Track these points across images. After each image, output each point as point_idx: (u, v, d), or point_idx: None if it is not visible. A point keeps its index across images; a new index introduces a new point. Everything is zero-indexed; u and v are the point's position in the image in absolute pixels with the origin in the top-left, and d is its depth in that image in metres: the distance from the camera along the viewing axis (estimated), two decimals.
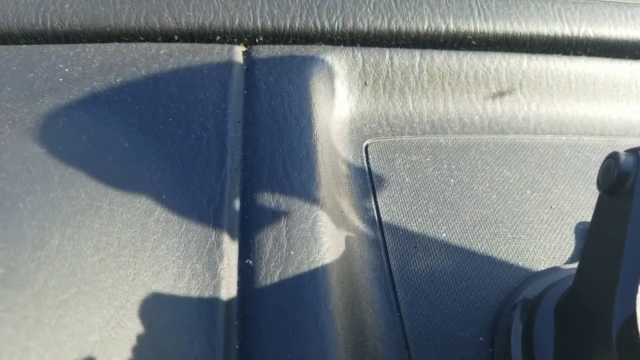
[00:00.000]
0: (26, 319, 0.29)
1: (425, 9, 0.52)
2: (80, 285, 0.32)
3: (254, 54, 0.49)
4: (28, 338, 0.28)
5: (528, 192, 0.46)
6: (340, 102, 0.50)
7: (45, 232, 0.33)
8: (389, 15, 0.51)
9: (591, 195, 0.47)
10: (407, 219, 0.43)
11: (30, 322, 0.29)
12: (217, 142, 0.42)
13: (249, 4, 0.50)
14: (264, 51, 0.49)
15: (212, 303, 0.34)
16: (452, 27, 0.52)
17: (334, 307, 0.34)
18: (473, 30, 0.52)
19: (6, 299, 0.29)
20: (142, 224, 0.36)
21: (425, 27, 0.51)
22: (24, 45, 0.47)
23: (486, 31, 0.52)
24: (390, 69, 0.51)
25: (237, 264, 0.36)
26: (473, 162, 0.48)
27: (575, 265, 0.35)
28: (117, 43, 0.48)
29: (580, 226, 0.44)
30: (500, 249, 0.42)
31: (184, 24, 0.49)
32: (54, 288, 0.31)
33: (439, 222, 0.43)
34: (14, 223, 0.32)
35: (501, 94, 0.52)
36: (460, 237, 0.42)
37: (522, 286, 0.40)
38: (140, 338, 0.31)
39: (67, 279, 0.32)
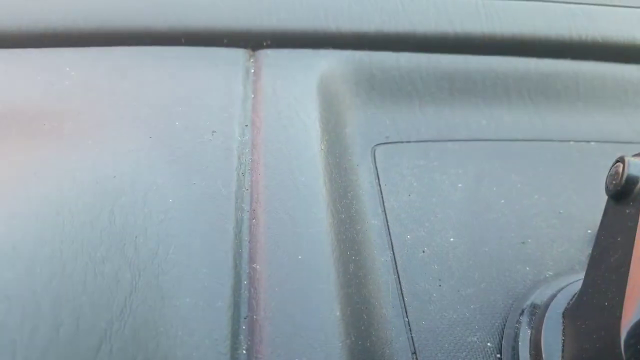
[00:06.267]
0: None
1: (433, 12, 0.52)
2: (84, 283, 0.32)
3: (261, 57, 0.49)
4: None
5: (536, 197, 0.46)
6: (347, 106, 0.49)
7: (50, 230, 0.33)
8: (396, 19, 0.51)
9: (599, 200, 0.46)
10: (414, 223, 0.43)
11: None
12: (225, 146, 0.41)
13: (257, 7, 0.50)
14: (271, 55, 0.49)
15: (219, 307, 0.34)
16: (459, 30, 0.51)
17: (340, 312, 0.34)
18: (480, 34, 0.52)
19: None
20: (146, 228, 0.36)
21: (433, 31, 0.51)
22: (32, 49, 0.48)
23: (493, 35, 0.52)
24: (397, 72, 0.51)
25: (244, 268, 0.36)
26: (480, 166, 0.48)
27: (583, 270, 0.34)
28: (124, 46, 0.48)
29: (589, 231, 0.44)
30: (508, 253, 0.42)
31: (191, 27, 0.49)
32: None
33: (446, 227, 0.43)
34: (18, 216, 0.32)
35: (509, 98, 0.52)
36: (468, 242, 0.42)
37: (530, 291, 0.39)
38: (144, 341, 0.31)
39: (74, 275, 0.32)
